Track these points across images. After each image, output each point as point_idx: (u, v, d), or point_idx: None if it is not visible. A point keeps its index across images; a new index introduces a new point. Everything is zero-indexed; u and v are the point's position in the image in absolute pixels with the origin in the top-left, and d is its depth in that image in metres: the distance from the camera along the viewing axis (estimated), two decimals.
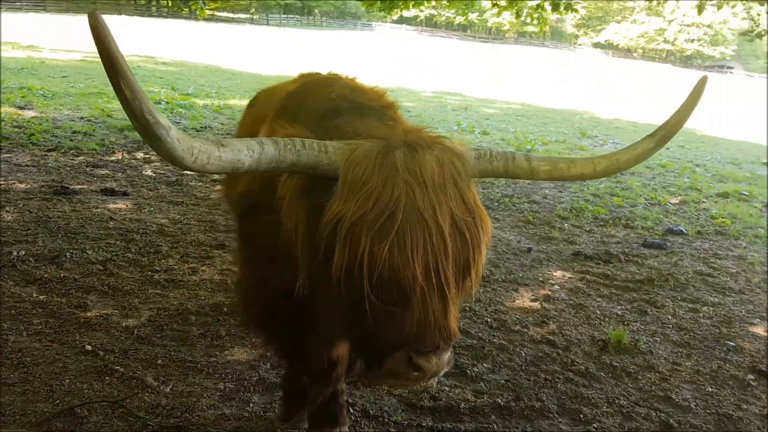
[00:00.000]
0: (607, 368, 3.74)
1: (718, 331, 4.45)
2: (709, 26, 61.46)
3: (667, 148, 14.46)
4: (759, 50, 63.50)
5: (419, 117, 16.21)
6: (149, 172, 7.73)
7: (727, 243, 6.86)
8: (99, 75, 17.45)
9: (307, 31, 59.01)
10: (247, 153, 1.63)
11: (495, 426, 3.00)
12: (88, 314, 3.78)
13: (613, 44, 68.78)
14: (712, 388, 3.61)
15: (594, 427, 3.06)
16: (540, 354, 3.83)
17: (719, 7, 10.67)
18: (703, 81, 1.90)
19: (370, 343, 1.65)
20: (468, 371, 3.50)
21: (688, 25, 61.16)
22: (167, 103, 13.41)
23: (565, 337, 4.12)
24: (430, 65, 37.86)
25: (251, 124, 3.10)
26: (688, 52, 64.67)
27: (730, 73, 57.80)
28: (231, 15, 63.76)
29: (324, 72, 3.41)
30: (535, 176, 1.89)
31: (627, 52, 68.19)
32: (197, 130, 10.87)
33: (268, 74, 25.80)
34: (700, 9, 9.60)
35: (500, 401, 3.21)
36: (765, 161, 13.77)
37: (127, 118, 1.37)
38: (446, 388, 3.28)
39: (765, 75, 55.51)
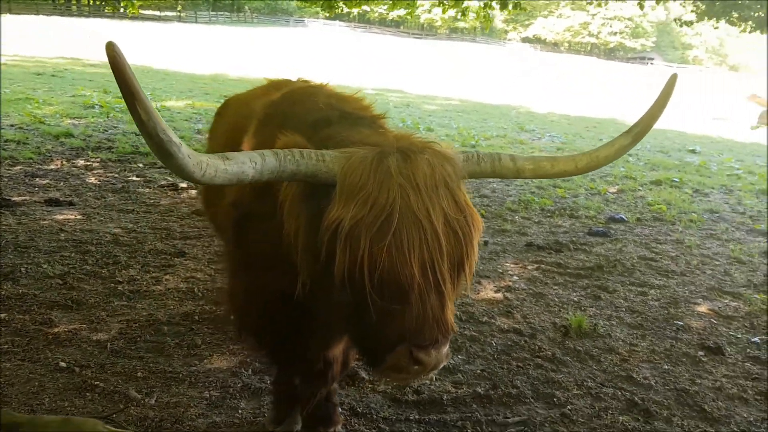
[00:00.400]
0: (571, 353, 3.95)
1: (666, 312, 4.76)
2: (630, 19, 64.38)
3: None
4: (677, 41, 67.06)
5: None
6: (93, 180, 7.49)
7: (665, 228, 7.29)
8: (24, 80, 16.65)
9: (238, 28, 57.95)
10: (250, 165, 1.68)
11: (477, 414, 3.13)
12: (56, 330, 3.68)
13: (540, 38, 70.92)
14: (667, 365, 3.87)
15: (568, 410, 3.24)
16: (509, 343, 4.01)
17: (659, 2, 11.07)
18: (673, 78, 2.02)
19: (372, 339, 1.73)
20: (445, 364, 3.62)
21: (610, 19, 63.89)
22: (101, 107, 12.95)
23: (529, 325, 4.31)
24: (367, 62, 38.02)
25: (228, 132, 3.10)
26: (612, 45, 67.57)
27: (651, 64, 60.67)
28: (157, 13, 61.75)
29: (293, 78, 3.47)
30: (521, 175, 2.00)
31: (554, 45, 70.46)
32: (137, 135, 10.56)
33: (203, 74, 25.26)
34: (641, 5, 10.05)
35: (480, 390, 3.35)
36: (690, 148, 14.61)
37: (141, 136, 1.41)
38: (427, 381, 3.39)
39: (683, 65, 58.64)
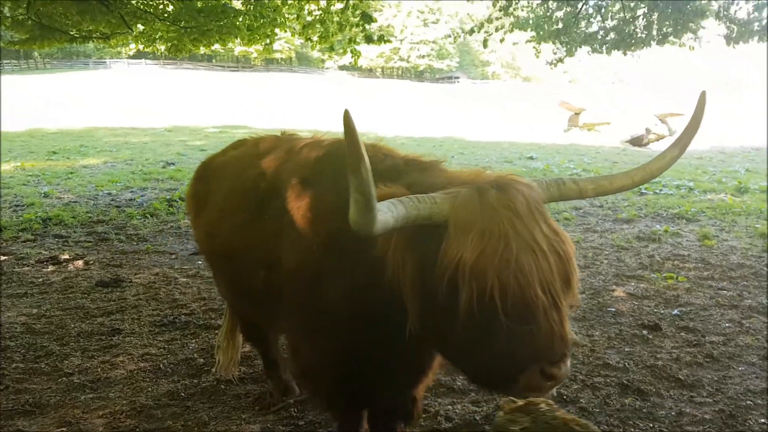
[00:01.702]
0: None
1: (595, 302, 5.36)
2: (434, 42, 69.63)
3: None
4: (476, 59, 73.79)
5: None
6: None
7: None
8: None
9: (30, 76, 52.59)
10: (390, 214, 1.76)
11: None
12: None
13: (356, 66, 73.81)
14: (627, 348, 4.40)
15: (582, 403, 3.57)
16: None
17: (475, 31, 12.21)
18: (703, 95, 2.26)
19: (501, 364, 1.80)
20: (453, 386, 3.79)
21: (417, 43, 68.63)
22: None
23: None
24: (196, 100, 36.76)
25: (234, 195, 3.01)
26: (421, 68, 72.51)
27: (457, 82, 66.13)
28: None
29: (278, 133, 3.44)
30: (584, 195, 2.17)
31: (370, 71, 73.77)
32: None
33: (16, 130, 22.77)
34: (485, 43, 11.03)
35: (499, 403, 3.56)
36: (528, 156, 16.27)
37: (354, 194, 1.61)
38: (448, 406, 3.52)
39: (485, 80, 64.67)
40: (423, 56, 70.86)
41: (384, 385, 2.50)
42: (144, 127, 25.25)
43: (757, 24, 9.29)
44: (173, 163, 14.30)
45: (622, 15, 9.38)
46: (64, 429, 3.37)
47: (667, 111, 27.14)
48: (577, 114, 28.12)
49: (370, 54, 72.20)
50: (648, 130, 23.82)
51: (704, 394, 3.67)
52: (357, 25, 10.22)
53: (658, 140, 23.54)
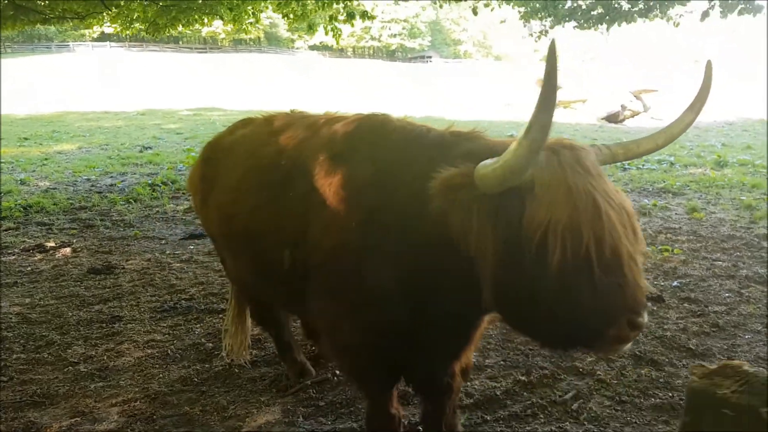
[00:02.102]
0: None
1: None
2: (405, 21, 69.04)
3: None
4: (448, 38, 73.54)
5: (196, 137, 15.55)
6: None
7: None
8: None
9: None
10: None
11: (534, 399, 3.35)
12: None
13: (327, 45, 72.93)
14: None
15: (599, 375, 3.61)
16: (503, 330, 4.27)
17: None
18: (709, 64, 2.32)
19: (590, 320, 1.80)
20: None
21: (388, 21, 67.88)
22: None
23: None
24: (166, 82, 35.97)
25: (248, 173, 2.93)
26: (393, 47, 71.91)
27: (430, 61, 65.79)
28: None
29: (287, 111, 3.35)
30: (616, 159, 2.19)
31: (341, 51, 72.94)
32: None
33: None
34: (475, 11, 10.88)
35: (520, 378, 3.57)
36: (510, 134, 16.30)
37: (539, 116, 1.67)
38: (466, 384, 3.52)
39: (458, 59, 64.62)
40: (395, 35, 70.24)
41: (426, 359, 2.50)
42: (116, 111, 24.65)
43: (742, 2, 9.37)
44: (150, 147, 14.02)
45: None
46: (77, 419, 3.28)
47: (642, 87, 27.46)
48: None
49: (342, 33, 71.41)
50: (623, 107, 24.11)
51: (716, 363, 3.72)
52: (338, 1, 10.02)
53: (633, 116, 23.86)
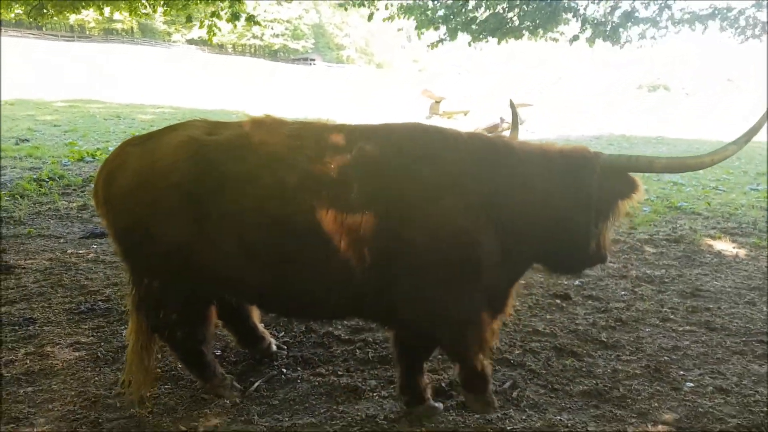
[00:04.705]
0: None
1: None
2: (288, 21, 68.28)
3: None
4: (331, 42, 73.76)
5: (76, 131, 14.44)
6: None
7: None
8: None
9: None
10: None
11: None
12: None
13: (205, 40, 70.06)
14: (549, 315, 4.86)
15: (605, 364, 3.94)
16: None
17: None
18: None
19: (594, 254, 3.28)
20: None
21: (270, 21, 66.72)
22: None
23: None
24: (32, 70, 32.79)
25: (272, 179, 2.95)
26: (276, 47, 70.72)
27: (314, 64, 65.52)
28: None
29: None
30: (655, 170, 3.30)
31: (221, 47, 70.59)
32: None
33: None
34: (370, 17, 10.93)
35: (532, 367, 3.80)
36: None
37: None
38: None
39: (341, 64, 65.09)
40: (277, 35, 69.27)
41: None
42: None
43: (609, 26, 10.43)
44: (27, 140, 12.87)
45: (504, 4, 9.99)
46: (12, 425, 3.05)
47: (519, 102, 29.32)
48: (437, 102, 29.49)
49: (222, 29, 69.19)
50: (502, 119, 25.59)
51: (627, 353, 4.21)
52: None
53: (509, 129, 25.37)
